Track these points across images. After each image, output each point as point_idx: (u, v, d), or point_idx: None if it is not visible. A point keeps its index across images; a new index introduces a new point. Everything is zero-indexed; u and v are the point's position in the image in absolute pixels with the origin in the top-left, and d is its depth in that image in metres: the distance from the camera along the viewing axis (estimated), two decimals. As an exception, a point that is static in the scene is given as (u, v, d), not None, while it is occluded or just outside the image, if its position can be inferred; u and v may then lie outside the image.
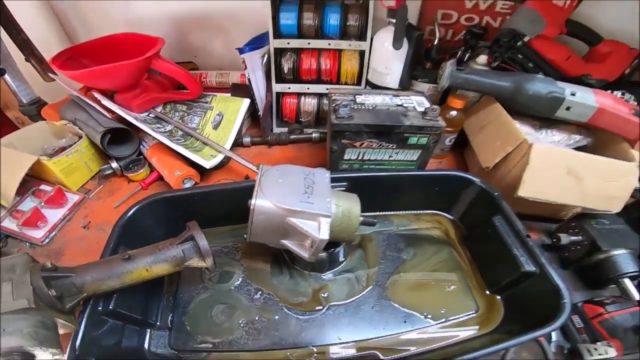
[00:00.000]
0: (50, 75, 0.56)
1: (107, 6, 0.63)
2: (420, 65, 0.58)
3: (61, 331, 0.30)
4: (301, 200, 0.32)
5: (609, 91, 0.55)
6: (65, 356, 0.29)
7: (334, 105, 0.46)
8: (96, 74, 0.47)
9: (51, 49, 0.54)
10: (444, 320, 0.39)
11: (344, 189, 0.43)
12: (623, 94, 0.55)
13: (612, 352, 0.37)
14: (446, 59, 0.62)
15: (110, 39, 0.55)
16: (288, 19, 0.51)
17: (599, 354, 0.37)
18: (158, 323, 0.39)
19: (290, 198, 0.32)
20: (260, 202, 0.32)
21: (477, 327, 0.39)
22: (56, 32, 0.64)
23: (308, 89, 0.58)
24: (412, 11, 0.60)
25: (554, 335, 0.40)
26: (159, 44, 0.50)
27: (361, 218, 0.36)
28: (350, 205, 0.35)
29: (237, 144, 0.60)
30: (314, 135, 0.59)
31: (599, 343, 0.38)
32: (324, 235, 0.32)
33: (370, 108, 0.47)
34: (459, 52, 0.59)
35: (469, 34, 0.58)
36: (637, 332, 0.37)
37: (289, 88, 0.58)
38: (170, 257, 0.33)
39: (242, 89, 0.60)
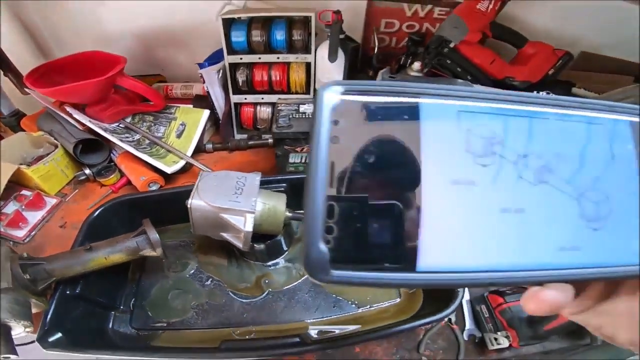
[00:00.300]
0: (26, 89, 0.65)
1: (77, 24, 0.71)
2: (363, 73, 0.66)
3: (35, 310, 0.39)
4: (230, 200, 0.40)
5: (534, 92, 0.62)
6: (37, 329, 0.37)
7: (276, 115, 0.54)
8: (64, 91, 0.55)
9: (27, 64, 0.62)
10: (368, 306, 0.46)
11: (282, 189, 0.51)
12: (548, 94, 0.62)
13: (506, 343, 0.40)
14: (393, 64, 0.70)
15: (80, 57, 0.63)
16: (238, 36, 0.59)
17: (498, 344, 0.41)
18: (121, 307, 0.47)
19: (220, 198, 0.40)
20: (195, 202, 0.40)
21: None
22: (30, 49, 0.73)
23: (262, 98, 0.66)
24: (357, 21, 0.68)
25: (467, 324, 0.44)
26: (121, 63, 0.58)
27: (289, 214, 0.44)
28: (275, 203, 0.43)
29: (201, 150, 0.68)
30: (269, 140, 0.68)
31: (499, 333, 0.41)
32: (249, 228, 0.40)
33: (310, 116, 0.55)
34: (402, 59, 0.67)
35: (410, 41, 0.66)
36: (530, 323, 0.40)
37: (245, 99, 0.66)
38: (125, 247, 0.42)
39: (204, 100, 0.68)
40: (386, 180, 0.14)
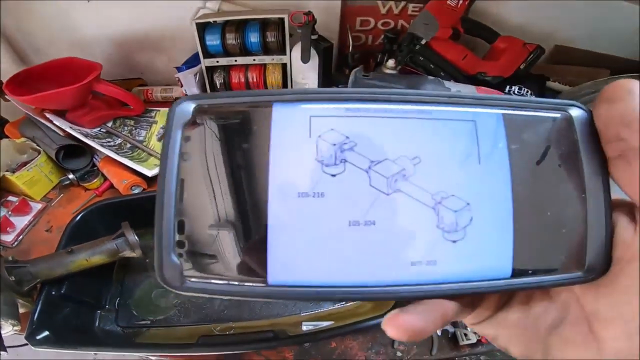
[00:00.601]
0: (6, 97, 0.67)
1: (53, 29, 0.72)
2: (340, 72, 0.69)
3: (22, 310, 0.42)
4: (202, 202, 0.43)
5: (507, 86, 0.64)
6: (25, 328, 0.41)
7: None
8: (40, 98, 0.58)
9: (7, 71, 0.65)
10: (344, 302, 0.50)
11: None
12: (520, 88, 0.64)
13: (474, 338, 0.43)
14: (370, 62, 0.73)
15: (57, 63, 0.65)
16: (213, 40, 0.62)
17: (468, 339, 0.43)
18: (107, 306, 0.51)
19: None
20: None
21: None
22: (9, 55, 0.74)
23: (240, 99, 0.68)
24: (333, 21, 0.70)
25: (441, 319, 0.48)
26: (96, 70, 0.61)
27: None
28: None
29: (183, 151, 0.71)
30: (249, 140, 0.70)
31: (468, 328, 0.43)
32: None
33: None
34: (379, 56, 0.70)
35: (385, 38, 0.68)
36: None
37: (224, 100, 0.69)
38: (105, 249, 0.45)
39: (184, 101, 0.71)
40: (236, 195, 0.14)
